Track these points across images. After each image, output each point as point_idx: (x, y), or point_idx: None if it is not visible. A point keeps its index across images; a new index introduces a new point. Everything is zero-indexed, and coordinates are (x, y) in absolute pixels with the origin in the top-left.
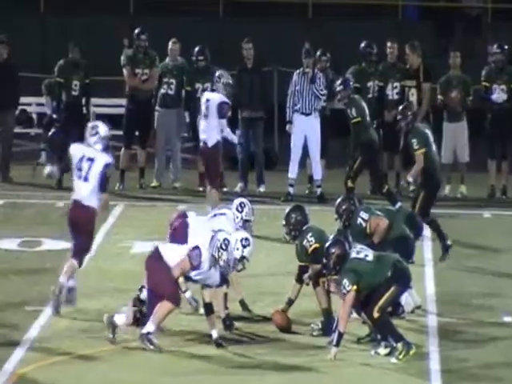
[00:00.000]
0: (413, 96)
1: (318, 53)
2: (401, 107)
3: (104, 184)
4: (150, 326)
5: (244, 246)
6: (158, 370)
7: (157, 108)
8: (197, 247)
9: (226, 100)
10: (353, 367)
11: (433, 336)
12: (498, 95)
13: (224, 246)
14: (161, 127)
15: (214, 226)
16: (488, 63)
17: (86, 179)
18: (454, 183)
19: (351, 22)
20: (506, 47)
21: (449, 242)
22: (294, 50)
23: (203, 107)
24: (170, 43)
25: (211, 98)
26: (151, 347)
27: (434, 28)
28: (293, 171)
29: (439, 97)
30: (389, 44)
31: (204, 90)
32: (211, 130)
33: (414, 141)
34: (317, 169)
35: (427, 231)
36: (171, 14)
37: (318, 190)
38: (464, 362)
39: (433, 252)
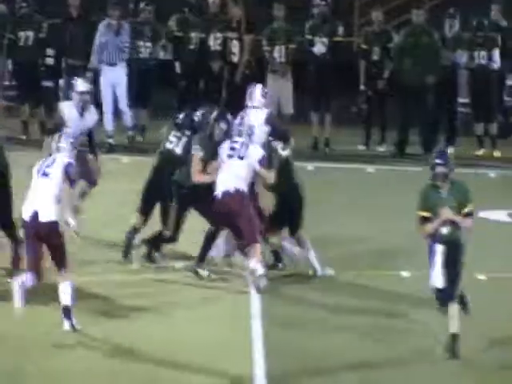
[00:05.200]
0: (235, 48)
1: (142, 4)
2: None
3: None
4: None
5: None
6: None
7: None
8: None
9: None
10: None
11: None
12: (319, 48)
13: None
14: None
15: None
16: (312, 15)
17: None
18: None
19: None
20: None
21: None
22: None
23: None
24: None
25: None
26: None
27: None
28: (108, 123)
29: (265, 48)
30: None
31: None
32: None
33: None
34: (126, 118)
35: None
36: None
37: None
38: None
39: None
